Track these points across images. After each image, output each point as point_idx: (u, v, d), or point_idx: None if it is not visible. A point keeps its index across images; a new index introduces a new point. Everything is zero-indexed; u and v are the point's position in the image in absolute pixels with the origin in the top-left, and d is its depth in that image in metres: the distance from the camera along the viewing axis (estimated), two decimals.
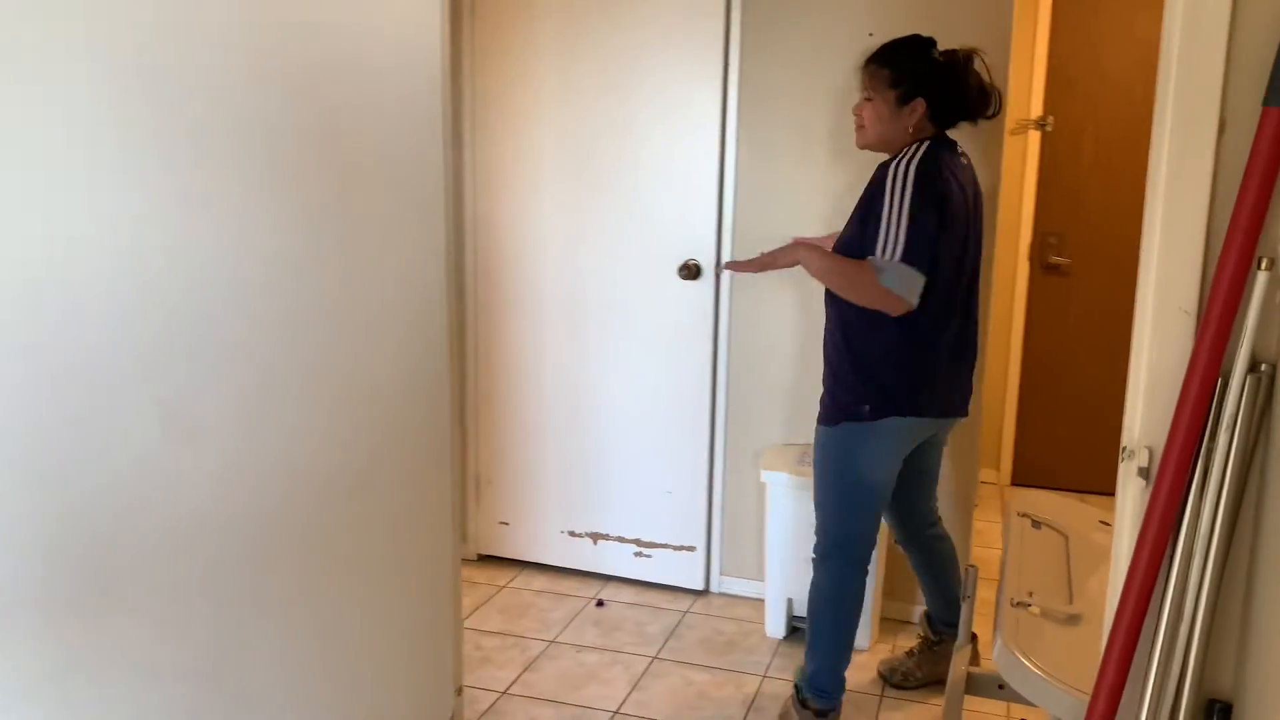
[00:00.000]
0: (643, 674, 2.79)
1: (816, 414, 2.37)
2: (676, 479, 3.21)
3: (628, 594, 3.27)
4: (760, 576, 3.18)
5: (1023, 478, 4.36)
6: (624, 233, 3.13)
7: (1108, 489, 2.02)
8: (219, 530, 1.51)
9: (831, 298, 2.29)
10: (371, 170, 1.83)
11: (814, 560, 2.40)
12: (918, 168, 2.13)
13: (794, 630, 2.99)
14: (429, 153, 2.01)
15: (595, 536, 3.34)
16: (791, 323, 3.05)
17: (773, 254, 2.32)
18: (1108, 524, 1.83)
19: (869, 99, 2.26)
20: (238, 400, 1.53)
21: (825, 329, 2.36)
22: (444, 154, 2.08)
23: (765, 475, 2.87)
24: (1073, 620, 1.51)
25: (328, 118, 1.69)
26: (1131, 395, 1.33)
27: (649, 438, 3.21)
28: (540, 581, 3.36)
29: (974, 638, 2.39)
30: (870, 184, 2.23)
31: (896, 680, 2.71)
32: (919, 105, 2.21)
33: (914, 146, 2.20)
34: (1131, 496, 1.33)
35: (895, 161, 2.18)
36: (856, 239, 2.19)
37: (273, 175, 1.57)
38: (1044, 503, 1.93)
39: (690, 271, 3.06)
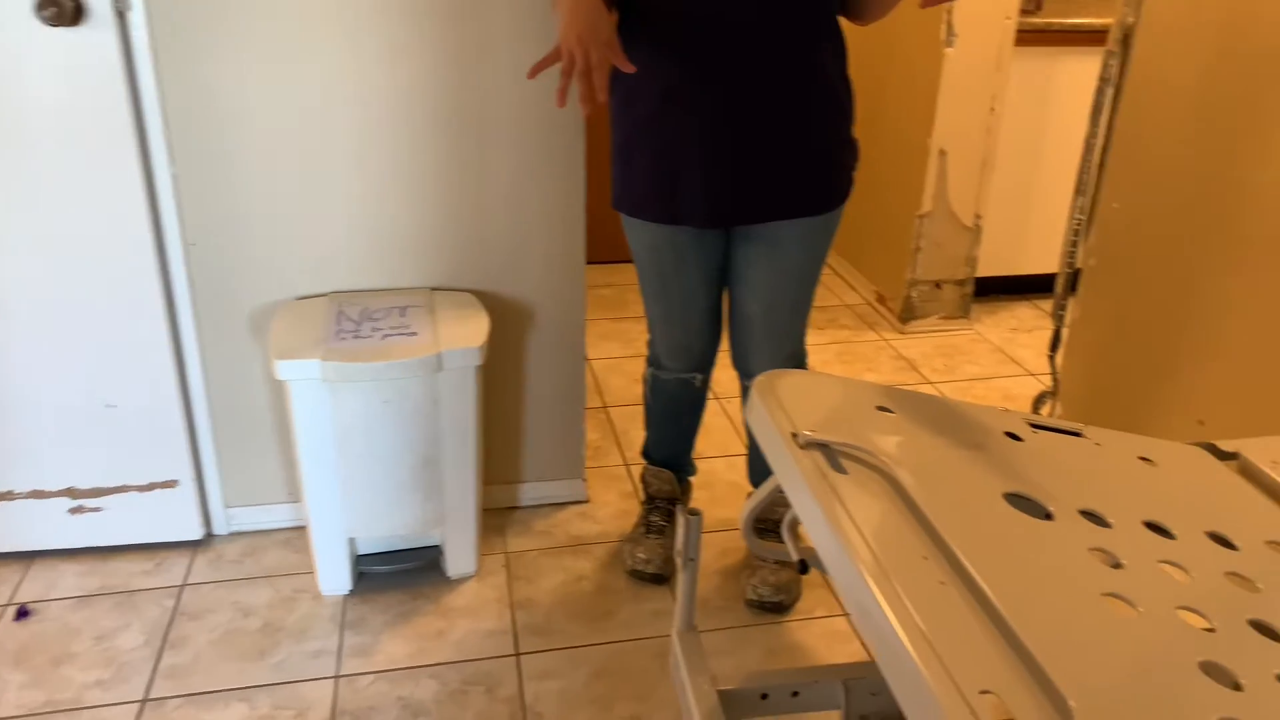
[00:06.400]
0: None
1: (741, 199, 1.63)
2: (120, 382, 1.90)
3: (71, 576, 1.97)
4: (297, 496, 2.08)
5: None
6: None
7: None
8: None
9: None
10: None
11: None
12: None
13: (361, 577, 1.97)
14: None
15: None
16: (288, 76, 1.80)
17: None
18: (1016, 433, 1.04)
19: None
20: None
21: (774, 68, 1.54)
22: None
23: (281, 368, 1.70)
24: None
25: None
26: None
27: (54, 319, 1.84)
28: None
29: None
30: None
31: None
32: None
33: None
34: None
35: None
36: None
37: None
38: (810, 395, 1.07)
39: (64, 12, 1.63)
